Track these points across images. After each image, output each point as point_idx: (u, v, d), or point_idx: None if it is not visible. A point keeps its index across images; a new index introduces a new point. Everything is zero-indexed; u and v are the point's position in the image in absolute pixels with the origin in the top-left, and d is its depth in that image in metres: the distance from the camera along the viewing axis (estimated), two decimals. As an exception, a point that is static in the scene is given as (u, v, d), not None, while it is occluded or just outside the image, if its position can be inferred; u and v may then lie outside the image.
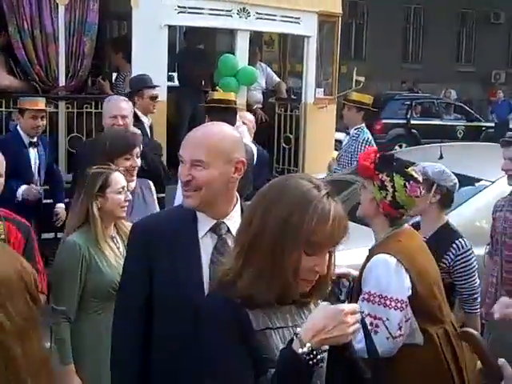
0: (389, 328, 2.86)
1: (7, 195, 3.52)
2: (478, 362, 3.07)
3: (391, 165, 3.01)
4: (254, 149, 5.33)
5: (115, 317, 2.54)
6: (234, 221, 2.37)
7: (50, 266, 3.73)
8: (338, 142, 8.41)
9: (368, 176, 3.05)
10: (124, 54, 7.84)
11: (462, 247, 3.69)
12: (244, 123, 5.56)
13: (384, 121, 16.62)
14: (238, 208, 2.42)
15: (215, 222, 2.37)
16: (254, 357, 1.88)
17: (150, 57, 7.21)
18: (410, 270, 2.92)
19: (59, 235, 5.29)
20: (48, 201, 5.95)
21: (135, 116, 5.71)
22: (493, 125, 18.58)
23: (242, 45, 8.12)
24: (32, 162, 5.74)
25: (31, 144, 5.72)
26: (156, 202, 4.26)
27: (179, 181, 2.42)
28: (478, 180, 5.54)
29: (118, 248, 3.48)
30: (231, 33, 8.45)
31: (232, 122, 4.64)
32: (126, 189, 3.53)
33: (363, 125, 6.50)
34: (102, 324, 3.26)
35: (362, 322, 1.96)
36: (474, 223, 5.04)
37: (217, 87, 6.54)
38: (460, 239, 3.72)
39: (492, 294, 4.27)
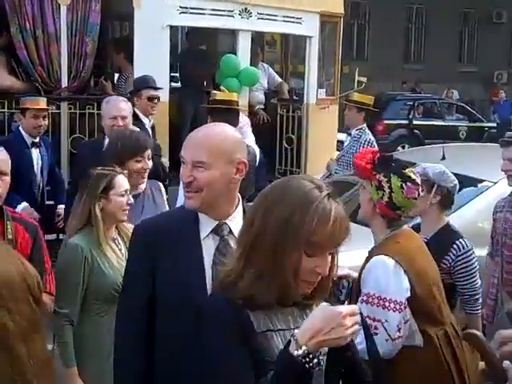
0: (388, 330, 2.85)
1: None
2: (480, 363, 3.06)
3: (389, 165, 3.00)
4: (257, 150, 5.32)
5: (117, 317, 2.54)
6: (235, 222, 2.37)
7: (52, 267, 3.72)
8: (340, 142, 8.40)
9: (366, 176, 3.04)
10: (126, 54, 7.84)
11: (463, 247, 3.68)
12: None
13: (386, 121, 16.60)
14: (239, 209, 2.42)
15: (217, 223, 2.37)
16: (255, 358, 1.88)
17: (151, 57, 7.21)
18: (408, 271, 2.91)
19: (61, 236, 5.29)
20: (50, 202, 5.95)
21: (135, 116, 5.72)
22: (495, 125, 18.56)
23: (244, 45, 8.11)
24: (34, 163, 5.74)
25: (33, 144, 5.72)
26: (166, 203, 4.25)
27: (181, 182, 2.42)
28: (481, 181, 5.54)
29: (120, 250, 3.48)
30: (233, 33, 8.45)
31: (234, 123, 4.64)
32: (128, 192, 3.52)
33: (364, 125, 6.49)
34: (105, 326, 3.25)
35: (363, 322, 1.95)
36: (476, 224, 5.04)
37: (221, 87, 6.52)
38: (460, 240, 3.71)
39: (493, 295, 4.27)
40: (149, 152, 3.96)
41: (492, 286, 4.28)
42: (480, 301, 3.78)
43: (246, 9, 7.98)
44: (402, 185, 2.96)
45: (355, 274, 2.90)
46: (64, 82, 7.08)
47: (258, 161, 5.18)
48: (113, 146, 4.01)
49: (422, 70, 24.30)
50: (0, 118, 6.81)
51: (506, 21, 26.57)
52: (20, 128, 5.75)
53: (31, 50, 6.97)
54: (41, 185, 5.78)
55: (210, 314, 1.95)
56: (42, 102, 5.82)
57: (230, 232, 2.36)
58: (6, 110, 6.75)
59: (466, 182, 5.43)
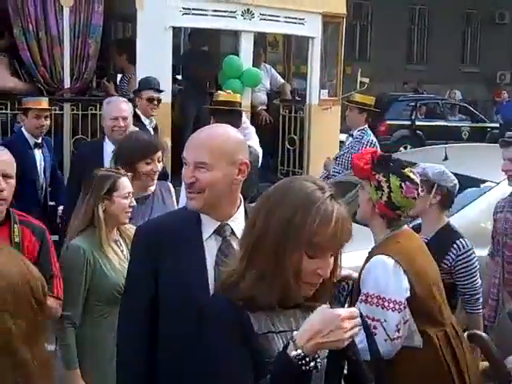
0: (386, 330, 2.84)
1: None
2: (481, 364, 3.06)
3: (388, 165, 2.99)
4: (260, 151, 5.33)
5: (120, 319, 2.54)
6: (237, 222, 2.37)
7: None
8: (342, 143, 8.40)
9: (364, 176, 3.04)
10: (128, 55, 7.85)
11: (463, 247, 3.68)
12: None
13: (388, 122, 16.58)
14: (241, 210, 2.42)
15: (219, 223, 2.37)
16: (255, 359, 1.88)
17: (154, 58, 7.22)
18: (408, 271, 2.90)
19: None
20: (51, 203, 5.95)
21: (137, 117, 5.73)
22: (498, 125, 18.53)
23: (247, 46, 8.12)
24: (38, 164, 5.75)
25: (36, 145, 5.73)
26: (175, 204, 4.24)
27: (183, 183, 2.42)
28: (483, 181, 5.54)
29: (122, 251, 3.48)
30: (235, 34, 8.46)
31: (237, 124, 4.64)
32: (131, 194, 3.52)
33: (366, 126, 6.48)
34: (108, 328, 3.25)
35: (363, 322, 1.94)
36: (479, 224, 5.04)
37: (228, 91, 6.51)
38: (461, 239, 3.71)
39: (494, 295, 4.27)
40: (159, 154, 3.93)
41: (493, 286, 4.28)
42: (481, 300, 3.77)
43: (248, 10, 7.99)
44: (401, 184, 2.95)
45: (356, 275, 2.90)
46: (67, 83, 7.10)
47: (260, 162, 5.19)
48: (123, 147, 4.01)
49: (425, 71, 24.28)
50: (3, 119, 6.83)
51: (508, 21, 26.53)
52: (23, 129, 5.77)
53: (34, 52, 6.99)
54: (44, 185, 5.79)
55: (212, 314, 1.96)
56: (43, 102, 5.83)
57: (233, 233, 2.37)
58: (8, 111, 6.77)
59: (469, 182, 5.43)
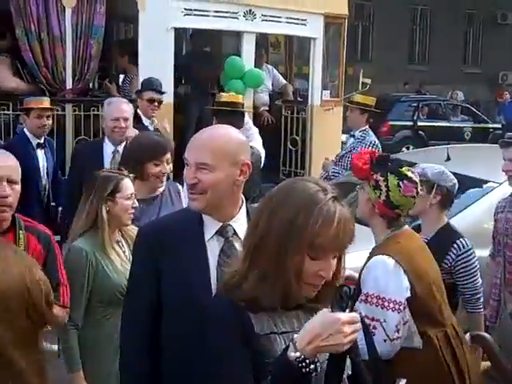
0: (386, 330, 2.83)
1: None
2: (482, 364, 3.06)
3: (386, 165, 2.99)
4: (263, 152, 5.33)
5: (123, 319, 2.54)
6: (239, 223, 2.37)
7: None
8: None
9: (363, 177, 3.04)
10: (130, 56, 7.86)
11: (463, 247, 3.68)
12: None
13: (391, 123, 16.58)
14: (243, 210, 2.42)
15: (221, 224, 2.37)
16: (257, 360, 1.88)
17: (156, 59, 7.23)
18: (408, 271, 2.90)
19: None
20: (52, 204, 5.96)
21: (138, 118, 5.73)
22: (500, 126, 18.53)
23: (248, 47, 8.13)
24: (40, 164, 5.76)
25: (39, 145, 5.74)
26: (184, 205, 4.23)
27: (185, 183, 2.42)
28: (486, 182, 5.54)
29: (124, 252, 3.47)
30: (237, 35, 8.46)
31: (239, 125, 4.65)
32: (133, 196, 3.51)
33: (367, 127, 6.48)
34: (110, 329, 3.24)
35: (362, 323, 1.94)
36: (481, 225, 5.03)
37: (231, 93, 6.51)
38: (461, 239, 3.71)
39: (496, 296, 4.27)
40: (168, 156, 3.91)
41: (494, 286, 4.28)
42: (482, 300, 3.77)
43: (250, 10, 8.00)
44: (398, 183, 2.95)
45: (357, 276, 2.90)
46: (69, 84, 7.11)
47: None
48: (132, 148, 4.00)
49: (427, 72, 24.28)
50: (5, 120, 6.83)
51: (510, 22, 26.51)
52: (25, 129, 5.77)
53: (36, 52, 7.00)
54: (47, 186, 5.80)
55: (214, 315, 1.96)
56: (45, 102, 5.84)
57: (235, 233, 2.36)
58: (10, 111, 6.77)
59: (471, 182, 5.43)
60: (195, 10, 7.64)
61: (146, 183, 3.85)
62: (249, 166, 2.36)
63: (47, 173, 5.82)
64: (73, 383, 3.33)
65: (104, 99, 5.69)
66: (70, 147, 6.93)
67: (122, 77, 8.38)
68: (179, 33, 7.85)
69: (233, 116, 4.99)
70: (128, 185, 3.49)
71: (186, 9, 7.56)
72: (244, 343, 1.88)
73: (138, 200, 3.65)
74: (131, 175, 3.59)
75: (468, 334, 3.49)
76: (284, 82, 9.53)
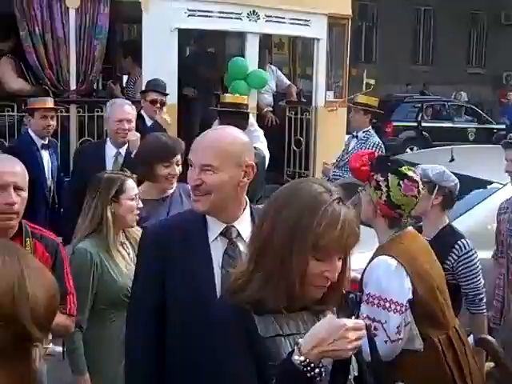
0: (387, 331, 2.82)
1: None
2: (486, 364, 3.04)
3: (386, 166, 2.99)
4: (267, 153, 5.32)
5: (128, 319, 2.54)
6: (244, 224, 2.37)
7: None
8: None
9: (364, 178, 3.04)
10: (133, 57, 7.86)
11: (465, 247, 3.67)
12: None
13: (395, 123, 16.58)
14: (247, 212, 2.41)
15: (225, 225, 2.37)
16: (262, 364, 1.87)
17: (160, 60, 7.23)
18: (411, 273, 2.88)
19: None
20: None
21: (142, 119, 5.73)
22: (504, 127, 18.50)
23: (252, 48, 8.13)
24: (45, 165, 5.76)
25: (43, 146, 5.74)
26: None
27: (189, 185, 2.42)
28: (490, 183, 5.52)
29: (129, 254, 3.46)
30: (241, 36, 8.47)
31: (243, 126, 4.63)
32: (138, 196, 3.51)
33: (370, 128, 6.48)
34: (115, 331, 3.23)
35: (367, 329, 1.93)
36: (485, 226, 5.02)
37: (236, 95, 6.51)
38: (462, 240, 3.70)
39: (500, 297, 4.26)
40: (178, 158, 3.87)
41: (498, 287, 4.27)
42: (484, 300, 3.76)
43: (254, 11, 8.00)
44: (399, 182, 2.94)
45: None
46: (73, 85, 7.12)
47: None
48: (142, 150, 3.99)
49: (431, 72, 24.26)
50: (10, 122, 6.85)
51: (514, 22, 26.50)
52: (29, 130, 5.78)
53: (40, 54, 7.01)
54: (52, 187, 5.80)
55: (218, 318, 1.96)
56: (49, 102, 5.85)
57: (239, 235, 2.36)
58: (15, 113, 6.78)
59: (475, 183, 5.43)
60: (199, 10, 7.65)
61: (155, 184, 3.84)
62: (253, 168, 2.36)
63: (52, 173, 5.83)
64: None
65: (108, 100, 5.69)
66: (73, 148, 6.92)
67: (125, 78, 8.39)
68: (183, 34, 7.84)
69: (237, 117, 4.98)
70: (132, 185, 3.49)
71: (189, 10, 7.57)
72: (248, 346, 1.88)
73: (147, 201, 3.65)
74: (134, 176, 3.59)
75: (472, 337, 3.48)
76: (288, 82, 9.52)
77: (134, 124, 4.96)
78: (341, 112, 9.04)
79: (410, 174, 2.98)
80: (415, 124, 17.11)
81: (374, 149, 6.11)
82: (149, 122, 5.93)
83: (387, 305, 2.84)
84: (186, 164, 2.44)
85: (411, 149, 15.74)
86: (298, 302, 1.94)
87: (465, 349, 3.03)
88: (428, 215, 3.77)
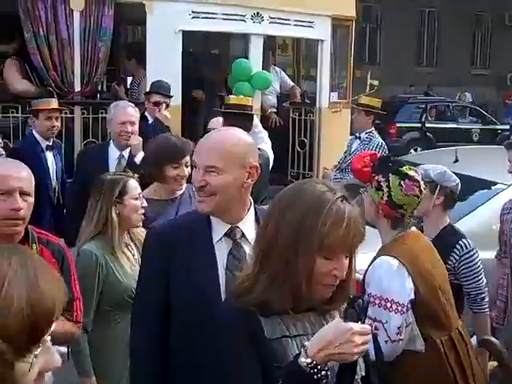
0: (388, 331, 2.81)
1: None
2: (489, 364, 3.03)
3: (387, 166, 2.99)
4: (271, 155, 5.33)
5: (133, 320, 2.55)
6: (248, 225, 2.38)
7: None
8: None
9: (365, 179, 3.04)
10: (137, 59, 7.87)
11: (466, 247, 3.67)
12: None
13: (398, 124, 16.58)
14: (251, 212, 2.42)
15: (230, 226, 2.37)
16: (268, 365, 1.87)
17: (164, 62, 7.24)
18: (413, 273, 2.88)
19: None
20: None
21: (146, 120, 5.74)
22: (508, 128, 18.48)
23: (256, 49, 8.14)
24: (50, 166, 5.77)
25: (48, 147, 5.75)
26: None
27: (193, 186, 2.42)
28: (494, 183, 5.52)
29: (134, 255, 3.46)
30: (245, 37, 8.47)
31: (247, 127, 4.63)
32: (141, 195, 3.52)
33: (373, 129, 6.49)
34: (120, 333, 3.24)
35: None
36: (490, 226, 5.02)
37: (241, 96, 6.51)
38: (463, 239, 3.70)
39: (503, 297, 4.26)
40: (187, 159, 3.83)
41: (501, 287, 4.27)
42: (486, 299, 3.75)
43: (257, 13, 8.01)
44: (400, 182, 2.94)
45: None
46: (77, 87, 7.14)
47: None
48: (151, 151, 4.00)
49: (435, 73, 24.24)
50: (15, 123, 6.86)
51: (518, 23, 26.46)
52: (33, 132, 5.79)
53: (45, 55, 7.03)
54: (56, 188, 5.81)
55: (223, 320, 1.95)
56: (54, 103, 5.87)
57: (243, 236, 2.37)
58: (20, 114, 6.80)
59: (480, 184, 5.43)
60: (203, 12, 7.65)
61: (165, 185, 3.84)
62: (257, 169, 2.37)
63: (56, 175, 5.84)
64: None
65: (112, 102, 5.70)
66: (78, 150, 6.94)
67: (130, 79, 8.40)
68: (187, 35, 7.85)
69: (241, 118, 4.98)
70: (134, 185, 3.49)
71: (193, 11, 7.58)
72: (253, 348, 1.88)
73: (157, 201, 3.65)
74: (136, 175, 3.60)
75: (475, 338, 3.47)
76: (292, 84, 9.53)
77: (137, 126, 4.94)
78: (345, 113, 9.04)
79: (411, 173, 2.98)
80: (419, 125, 17.10)
81: (376, 150, 6.11)
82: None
83: (388, 305, 2.83)
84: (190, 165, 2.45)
85: (415, 150, 15.74)
86: (305, 302, 1.94)
87: (467, 350, 3.01)
88: (429, 215, 3.77)
